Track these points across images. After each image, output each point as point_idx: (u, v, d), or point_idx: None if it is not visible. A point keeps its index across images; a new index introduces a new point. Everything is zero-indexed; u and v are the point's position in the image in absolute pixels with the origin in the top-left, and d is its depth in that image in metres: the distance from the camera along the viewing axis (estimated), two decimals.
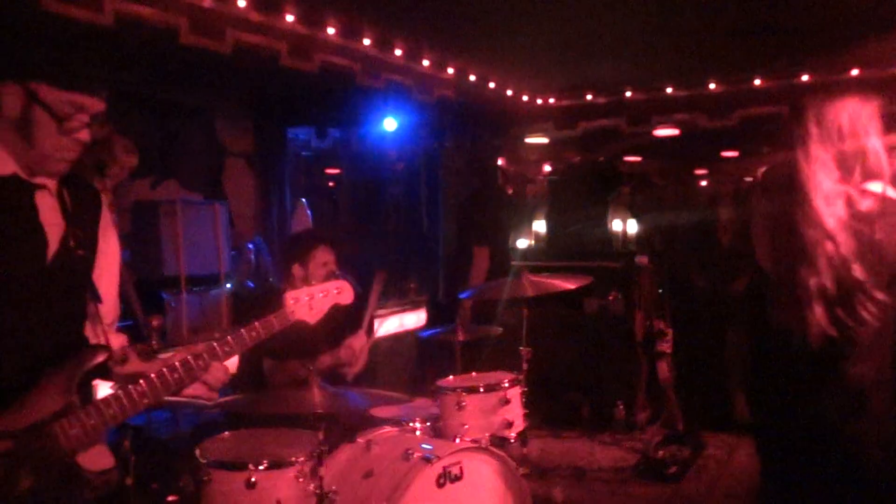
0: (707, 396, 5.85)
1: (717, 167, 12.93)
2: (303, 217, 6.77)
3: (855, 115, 2.15)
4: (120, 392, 1.92)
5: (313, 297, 2.15)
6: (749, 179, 11.86)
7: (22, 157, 1.88)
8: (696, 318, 5.98)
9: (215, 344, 2.03)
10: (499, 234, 6.08)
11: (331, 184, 8.33)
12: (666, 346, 5.50)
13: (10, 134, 1.86)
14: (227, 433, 2.92)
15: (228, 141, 6.31)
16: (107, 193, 4.54)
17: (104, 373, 2.00)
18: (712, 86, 6.99)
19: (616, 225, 6.48)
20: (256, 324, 2.07)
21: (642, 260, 5.86)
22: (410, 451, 2.60)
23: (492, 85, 6.74)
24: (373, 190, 7.62)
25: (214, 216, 5.33)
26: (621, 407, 5.64)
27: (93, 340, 2.07)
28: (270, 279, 6.02)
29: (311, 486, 2.55)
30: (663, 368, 5.48)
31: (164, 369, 1.96)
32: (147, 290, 4.87)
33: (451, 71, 6.10)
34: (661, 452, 4.97)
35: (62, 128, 1.86)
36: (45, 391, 1.84)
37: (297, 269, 3.68)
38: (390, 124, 6.78)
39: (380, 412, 3.35)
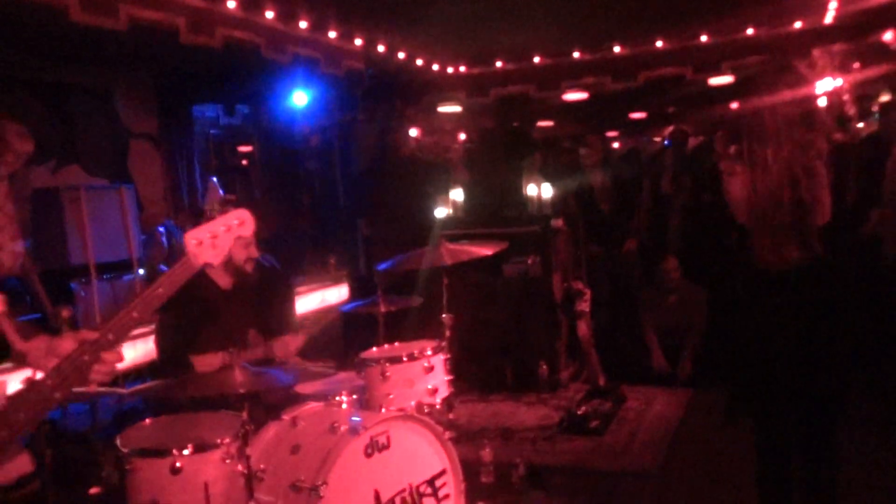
0: (625, 351, 6.08)
1: (627, 129, 13.27)
2: (215, 197, 6.61)
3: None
4: (28, 392, 1.69)
5: (216, 235, 1.93)
6: (657, 139, 12.21)
7: None
8: (601, 280, 6.20)
9: (122, 312, 1.79)
10: (411, 204, 6.10)
11: (244, 161, 8.16)
12: (584, 306, 5.65)
13: None
14: (148, 420, 2.86)
15: (132, 122, 6.10)
16: (2, 181, 4.34)
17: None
18: (617, 49, 7.15)
19: (531, 190, 6.59)
20: (161, 278, 1.84)
21: (557, 223, 5.99)
22: (336, 424, 2.61)
23: (401, 55, 6.71)
24: (287, 166, 7.51)
25: (121, 200, 5.17)
26: (544, 367, 5.78)
27: None
28: None
29: (239, 467, 2.53)
30: (583, 327, 5.64)
31: (73, 352, 1.74)
32: (54, 280, 4.70)
33: (358, 42, 6.03)
34: (583, 408, 5.13)
35: None
36: None
37: None
38: (301, 98, 6.67)
39: (304, 388, 3.35)
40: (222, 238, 1.95)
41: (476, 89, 7.55)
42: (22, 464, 1.81)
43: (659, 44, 7.11)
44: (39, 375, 1.74)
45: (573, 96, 7.88)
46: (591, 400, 5.35)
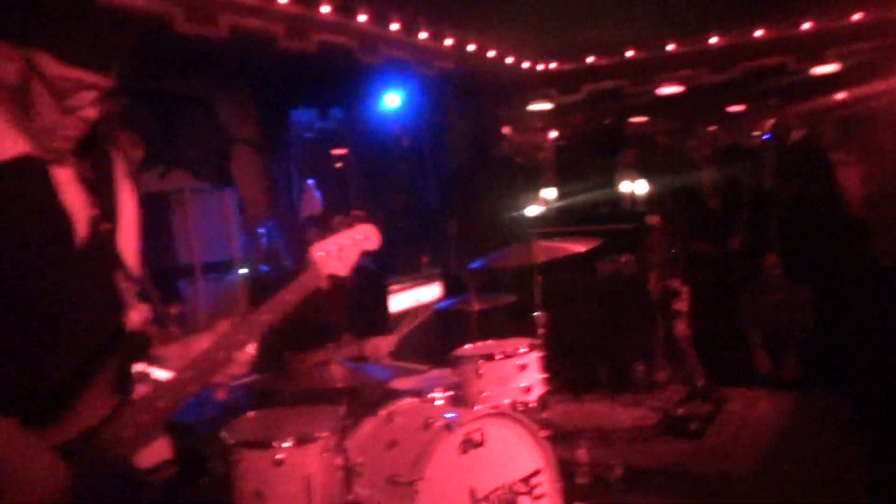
0: (725, 352, 5.88)
1: (726, 123, 12.82)
2: (312, 199, 6.79)
3: None
4: (169, 382, 1.79)
5: (342, 248, 2.00)
6: (757, 133, 11.75)
7: (27, 130, 1.67)
8: (705, 278, 6.00)
9: (253, 315, 1.88)
10: (502, 202, 6.08)
11: (337, 164, 8.33)
12: (682, 305, 5.51)
13: (10, 103, 1.65)
14: (251, 413, 2.97)
15: (233, 127, 6.32)
16: None
17: (144, 358, 1.87)
18: (714, 39, 6.92)
19: (625, 187, 6.46)
20: (290, 285, 1.93)
21: (653, 220, 5.85)
22: (431, 420, 2.64)
23: (491, 53, 6.70)
24: (380, 167, 7.62)
25: (224, 203, 5.37)
26: (640, 367, 5.66)
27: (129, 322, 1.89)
28: (284, 262, 6.06)
29: (338, 460, 2.59)
30: (680, 326, 5.50)
31: (209, 349, 1.83)
32: (163, 280, 4.93)
33: (449, 42, 6.06)
34: (681, 409, 5.00)
35: (63, 105, 1.64)
36: (92, 394, 1.72)
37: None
38: (392, 100, 6.76)
39: (399, 384, 3.40)
40: (348, 251, 2.02)
41: (567, 86, 7.46)
42: (162, 450, 1.86)
43: (759, 32, 6.84)
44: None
45: (668, 90, 7.67)
46: (690, 401, 5.21)
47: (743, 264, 6.55)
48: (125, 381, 1.80)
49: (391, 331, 4.03)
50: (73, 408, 1.70)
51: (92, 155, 1.81)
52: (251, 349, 1.93)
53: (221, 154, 6.31)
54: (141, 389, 1.84)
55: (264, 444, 2.60)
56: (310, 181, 6.91)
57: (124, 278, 1.86)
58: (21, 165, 1.67)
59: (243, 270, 5.37)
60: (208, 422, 3.39)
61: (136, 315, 1.91)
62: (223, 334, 1.87)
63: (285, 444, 2.58)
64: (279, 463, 2.57)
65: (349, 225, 2.07)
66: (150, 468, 1.81)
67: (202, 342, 1.87)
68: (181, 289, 4.95)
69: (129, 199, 1.94)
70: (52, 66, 1.60)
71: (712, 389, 5.37)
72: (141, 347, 1.86)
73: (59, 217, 1.72)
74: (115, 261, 1.84)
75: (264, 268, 5.89)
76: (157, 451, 1.84)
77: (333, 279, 2.02)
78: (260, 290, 5.29)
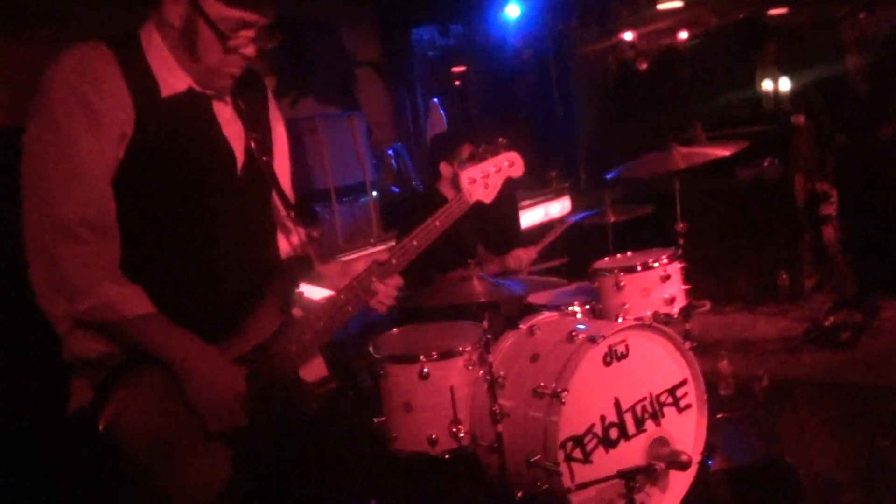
0: (880, 257, 5.50)
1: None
2: (437, 118, 6.78)
3: None
4: (326, 304, 1.93)
5: (488, 175, 2.07)
6: None
7: (191, 69, 1.76)
8: (853, 175, 5.55)
9: (404, 239, 2.00)
10: (634, 110, 5.83)
11: (457, 82, 8.25)
12: (830, 209, 5.19)
13: (178, 44, 1.74)
14: (395, 329, 3.07)
15: (356, 51, 6.35)
16: None
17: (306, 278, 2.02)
18: None
19: (766, 85, 6.03)
20: (438, 213, 2.03)
21: (798, 119, 5.46)
22: (574, 333, 2.63)
23: None
24: (502, 82, 7.48)
25: (352, 127, 5.45)
26: (784, 276, 5.40)
27: (283, 245, 2.07)
28: (413, 182, 6.13)
29: (481, 373, 2.65)
30: (829, 232, 5.19)
31: (363, 273, 1.96)
32: (300, 205, 5.12)
33: None
34: (831, 319, 4.76)
35: (226, 45, 1.72)
36: (261, 313, 1.84)
37: (444, 167, 3.74)
38: (513, 11, 6.57)
39: (538, 298, 3.40)
40: (493, 178, 2.08)
41: None
42: (320, 367, 2.02)
43: None
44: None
45: None
46: (840, 310, 4.93)
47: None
48: (289, 301, 1.92)
49: (532, 243, 4.02)
50: (246, 325, 1.82)
51: (248, 90, 1.91)
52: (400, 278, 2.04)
53: (347, 78, 6.37)
54: (296, 311, 1.97)
55: (410, 358, 2.68)
56: (434, 100, 6.89)
57: (282, 206, 1.96)
58: (188, 99, 1.77)
59: (374, 193, 5.48)
60: (355, 338, 3.54)
61: (295, 238, 2.03)
62: (376, 260, 1.98)
63: (430, 358, 2.66)
64: (425, 376, 2.65)
65: (494, 153, 2.09)
66: (313, 382, 1.96)
67: (358, 265, 2.00)
68: (318, 212, 5.11)
69: (281, 131, 2.05)
70: (214, 7, 1.67)
71: (865, 297, 5.06)
72: (302, 269, 1.98)
73: (223, 146, 1.83)
74: (271, 188, 1.95)
75: (395, 189, 5.99)
76: (316, 368, 1.98)
77: (479, 205, 2.07)
78: (391, 211, 5.39)
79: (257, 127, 1.91)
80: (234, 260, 1.84)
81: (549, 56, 7.24)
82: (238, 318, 1.82)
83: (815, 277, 5.58)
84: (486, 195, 2.08)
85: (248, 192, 1.88)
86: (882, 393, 3.90)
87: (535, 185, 6.06)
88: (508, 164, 2.11)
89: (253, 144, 1.87)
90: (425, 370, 2.66)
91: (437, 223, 2.03)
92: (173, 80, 1.76)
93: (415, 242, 2.00)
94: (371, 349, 2.84)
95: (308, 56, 6.05)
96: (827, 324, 4.72)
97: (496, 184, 2.09)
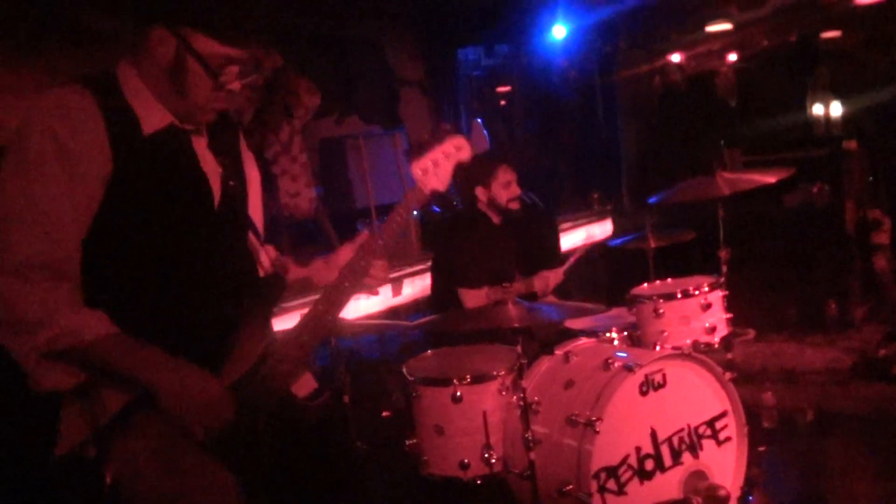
0: None
1: None
2: (480, 138, 6.77)
3: None
4: (305, 317, 1.93)
5: (438, 163, 2.04)
6: None
7: (174, 105, 1.78)
8: None
9: (369, 239, 2.00)
10: (681, 133, 5.75)
11: (502, 102, 8.25)
12: (883, 237, 5.03)
13: (162, 82, 1.75)
14: (430, 351, 3.05)
15: (401, 70, 6.40)
16: (297, 134, 4.80)
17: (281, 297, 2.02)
18: None
19: (817, 109, 5.90)
20: (397, 206, 2.02)
21: (850, 145, 5.33)
22: (610, 361, 2.58)
23: None
24: (546, 102, 7.46)
25: (395, 146, 5.48)
26: (833, 305, 5.25)
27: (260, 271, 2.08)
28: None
29: (514, 398, 2.61)
30: (880, 261, 5.03)
31: (337, 280, 1.96)
32: (342, 223, 5.15)
33: None
34: (882, 351, 4.60)
35: (217, 82, 1.75)
36: (245, 339, 1.86)
37: (480, 192, 3.73)
38: (559, 31, 6.55)
39: (575, 324, 3.36)
40: (443, 165, 2.04)
41: (750, 1, 6.85)
42: (309, 381, 2.02)
43: None
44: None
45: None
46: (892, 342, 4.76)
47: None
48: (270, 322, 1.96)
49: (560, 264, 3.98)
50: (234, 352, 1.84)
51: (219, 125, 1.93)
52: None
53: (391, 97, 6.42)
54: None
55: (443, 381, 2.66)
56: (478, 120, 6.89)
57: (253, 235, 2.01)
58: (169, 134, 1.79)
59: (415, 212, 5.48)
60: (390, 359, 3.54)
61: (264, 257, 2.04)
62: (344, 270, 1.97)
63: (464, 382, 2.64)
64: (458, 399, 2.63)
65: (440, 140, 2.07)
66: (306, 396, 1.97)
67: (343, 253, 2.02)
68: (359, 230, 5.13)
69: (252, 165, 2.07)
70: (205, 45, 1.71)
71: None
72: (277, 287, 1.98)
73: (202, 181, 1.85)
74: (245, 217, 1.97)
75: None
76: (307, 382, 2.00)
77: (437, 194, 2.05)
78: (431, 230, 5.39)
79: (231, 161, 1.93)
80: (217, 292, 1.86)
81: (594, 77, 7.20)
82: (224, 347, 1.83)
83: (866, 307, 5.41)
84: (440, 183, 2.04)
85: (226, 225, 1.90)
86: None
87: (578, 207, 6.01)
88: (456, 149, 2.07)
89: (227, 174, 1.89)
90: (458, 393, 2.63)
91: (398, 217, 2.01)
92: (154, 116, 1.78)
93: (380, 241, 1.99)
94: (405, 370, 2.83)
95: (353, 74, 6.11)
96: (879, 355, 4.56)
97: (447, 170, 2.05)
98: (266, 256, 2.07)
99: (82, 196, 1.68)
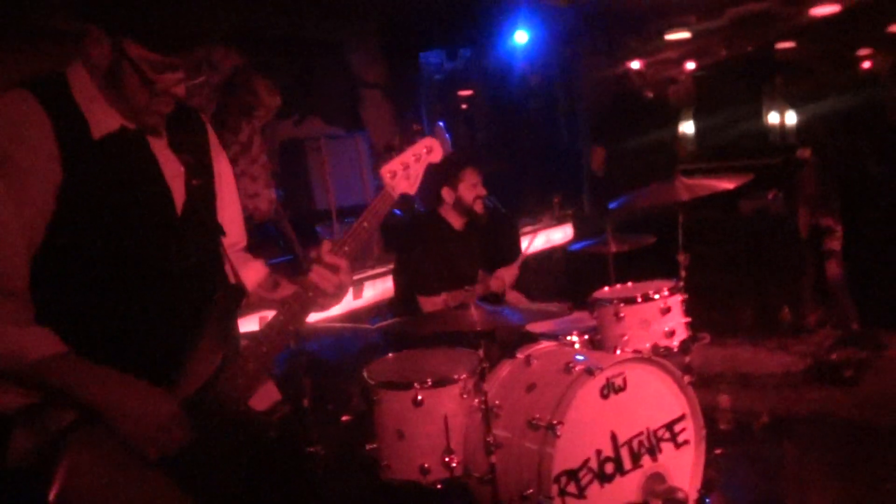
0: (885, 293, 5.45)
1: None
2: (442, 141, 6.76)
3: None
4: (265, 327, 1.85)
5: (408, 166, 2.00)
6: None
7: (121, 107, 1.71)
8: (871, 210, 5.51)
9: (335, 244, 1.90)
10: (637, 140, 5.82)
11: (463, 106, 8.26)
12: (835, 244, 5.14)
13: (102, 83, 1.68)
14: (390, 355, 3.03)
15: (362, 72, 6.36)
16: (257, 134, 4.73)
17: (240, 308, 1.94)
18: None
19: (772, 118, 6.03)
20: (365, 213, 1.94)
21: (804, 153, 5.44)
22: (572, 364, 2.59)
23: None
24: (508, 107, 7.49)
25: (356, 148, 5.44)
26: (787, 310, 5.35)
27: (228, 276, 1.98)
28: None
29: (476, 402, 2.60)
30: (833, 267, 5.14)
31: (296, 289, 1.86)
32: (302, 225, 5.09)
33: None
34: (834, 355, 4.70)
35: (153, 88, 1.67)
36: (201, 351, 1.78)
37: (446, 193, 3.71)
38: (521, 37, 6.58)
39: (536, 327, 3.36)
40: (413, 168, 2.01)
41: (708, 11, 6.97)
42: (271, 392, 1.94)
43: None
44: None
45: (824, 10, 7.01)
46: (844, 346, 4.87)
47: None
48: (227, 333, 1.86)
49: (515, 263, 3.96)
50: (189, 366, 1.76)
51: (185, 125, 1.86)
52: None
53: (352, 99, 6.38)
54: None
55: (404, 385, 2.64)
56: (440, 123, 6.88)
57: (224, 239, 1.92)
58: (121, 137, 1.72)
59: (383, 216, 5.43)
60: (350, 362, 3.50)
61: (254, 271, 1.98)
62: (306, 276, 1.88)
63: (424, 385, 2.62)
64: (418, 403, 2.61)
65: (411, 142, 2.04)
66: (266, 410, 1.88)
67: (288, 288, 1.92)
68: (319, 233, 5.08)
69: (225, 164, 1.98)
70: (136, 51, 1.63)
71: (869, 333, 5.01)
72: (236, 298, 1.90)
73: (160, 184, 1.78)
74: (212, 219, 1.89)
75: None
76: (268, 394, 1.90)
77: (406, 198, 2.02)
78: (392, 233, 5.36)
79: (197, 162, 1.85)
80: (174, 301, 1.78)
81: (556, 83, 7.25)
82: (180, 359, 1.75)
83: (818, 313, 5.53)
84: (409, 186, 2.01)
85: (190, 230, 1.81)
86: (886, 433, 3.83)
87: (539, 211, 6.03)
88: (426, 151, 2.04)
89: (191, 175, 1.81)
90: (419, 397, 2.61)
91: (366, 224, 1.93)
92: (104, 119, 1.70)
93: (346, 248, 1.89)
94: (365, 374, 2.80)
95: (314, 76, 6.06)
96: (831, 359, 4.66)
97: (417, 173, 2.02)
98: (254, 269, 2.00)
99: (30, 209, 1.61)
